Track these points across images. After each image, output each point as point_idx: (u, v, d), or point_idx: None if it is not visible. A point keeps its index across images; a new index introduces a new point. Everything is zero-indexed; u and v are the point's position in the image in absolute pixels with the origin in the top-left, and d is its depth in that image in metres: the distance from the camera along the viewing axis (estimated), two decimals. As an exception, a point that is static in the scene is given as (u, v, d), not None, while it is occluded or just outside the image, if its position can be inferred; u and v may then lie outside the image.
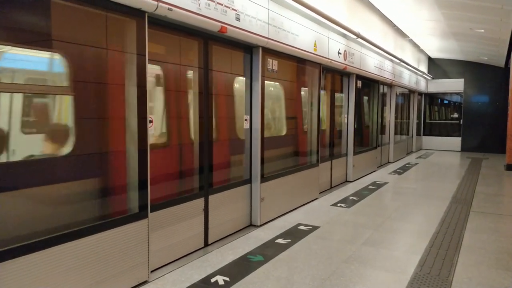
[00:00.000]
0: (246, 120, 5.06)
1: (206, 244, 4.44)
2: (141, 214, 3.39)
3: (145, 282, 3.45)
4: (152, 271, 3.63)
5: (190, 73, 4.25)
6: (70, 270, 2.81)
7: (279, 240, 4.64)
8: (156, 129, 3.82)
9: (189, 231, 4.14)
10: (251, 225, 5.24)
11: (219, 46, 4.57)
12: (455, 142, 15.90)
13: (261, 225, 5.21)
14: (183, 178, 4.25)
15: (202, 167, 4.30)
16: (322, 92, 7.24)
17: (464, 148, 15.64)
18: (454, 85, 15.89)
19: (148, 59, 3.42)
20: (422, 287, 3.44)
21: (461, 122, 15.83)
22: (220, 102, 4.83)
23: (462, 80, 15.63)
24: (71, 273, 2.82)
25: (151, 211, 3.52)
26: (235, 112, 5.17)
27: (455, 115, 16.36)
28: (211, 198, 4.44)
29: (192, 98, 4.26)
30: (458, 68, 15.74)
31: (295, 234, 4.86)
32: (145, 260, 3.43)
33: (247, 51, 5.02)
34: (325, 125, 7.77)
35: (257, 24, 4.70)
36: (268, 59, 5.28)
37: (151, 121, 3.57)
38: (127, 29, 3.32)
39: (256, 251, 4.26)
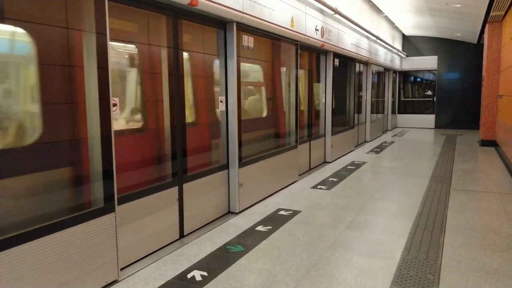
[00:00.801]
0: (221, 101, 4.73)
1: (182, 235, 4.16)
2: (107, 207, 3.06)
3: (114, 282, 3.14)
4: (122, 269, 3.33)
5: (158, 53, 3.85)
6: (26, 276, 2.47)
7: (260, 228, 4.40)
8: (122, 114, 3.45)
9: (163, 223, 3.84)
10: (229, 212, 4.98)
11: (190, 22, 4.18)
12: (429, 119, 16.04)
13: (240, 212, 4.96)
14: (153, 166, 3.91)
15: (175, 153, 3.97)
16: (299, 71, 6.98)
17: (438, 125, 15.80)
18: (427, 62, 15.92)
19: (111, 38, 3.03)
20: (411, 273, 3.29)
21: (434, 100, 15.95)
22: (193, 83, 4.47)
23: (435, 57, 15.67)
24: (27, 278, 2.48)
25: (118, 204, 3.19)
26: (212, 94, 4.83)
27: (429, 93, 16.46)
28: (186, 186, 4.13)
29: (161, 80, 3.88)
30: (431, 45, 15.75)
31: (276, 220, 4.64)
32: (114, 257, 3.11)
33: (221, 27, 4.65)
34: (303, 106, 7.52)
35: (230, -4, 4.33)
36: (243, 36, 4.93)
37: (115, 105, 3.20)
38: (84, 3, 2.91)
39: (235, 241, 4.01)
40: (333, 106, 8.54)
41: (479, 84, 12.44)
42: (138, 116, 3.76)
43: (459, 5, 9.18)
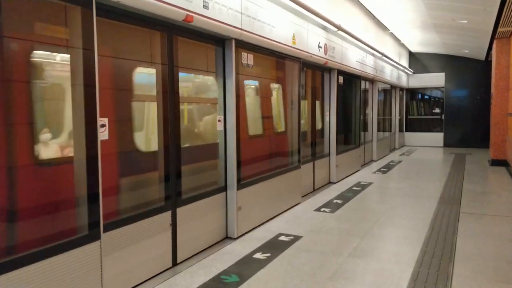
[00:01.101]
0: (219, 121, 4.56)
1: (175, 263, 3.93)
2: (92, 235, 2.86)
3: (98, 317, 2.92)
4: (108, 301, 3.11)
5: (152, 71, 3.71)
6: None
7: (258, 255, 4.16)
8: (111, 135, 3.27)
9: (154, 250, 3.63)
10: (227, 238, 4.75)
11: (186, 39, 4.05)
12: (438, 137, 15.74)
13: (238, 237, 4.73)
14: (144, 189, 3.71)
15: (168, 175, 3.78)
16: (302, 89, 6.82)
17: (447, 144, 15.49)
18: (435, 79, 15.72)
19: (99, 55, 2.89)
20: (419, 308, 3.02)
21: (443, 117, 15.68)
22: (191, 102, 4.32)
23: (443, 74, 15.47)
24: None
25: (104, 231, 2.99)
26: (210, 112, 4.68)
27: (437, 110, 16.21)
28: (180, 210, 3.93)
29: (154, 99, 3.72)
30: (438, 62, 15.57)
31: (275, 247, 4.40)
32: (98, 290, 2.90)
33: (219, 44, 4.52)
34: (307, 124, 7.34)
35: (228, 13, 4.20)
36: (243, 53, 4.79)
37: (103, 125, 3.04)
38: (71, 18, 2.78)
39: (231, 270, 3.77)
40: (338, 125, 8.35)
41: (488, 102, 12.19)
42: (128, 137, 3.58)
43: (465, 21, 9.02)
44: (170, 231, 3.82)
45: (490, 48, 11.29)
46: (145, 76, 3.60)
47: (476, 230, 4.93)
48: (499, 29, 8.85)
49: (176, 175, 3.86)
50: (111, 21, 3.23)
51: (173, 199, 3.84)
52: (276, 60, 5.88)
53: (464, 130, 15.20)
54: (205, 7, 3.83)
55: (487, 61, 13.31)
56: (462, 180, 8.31)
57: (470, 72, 14.95)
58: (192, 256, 4.18)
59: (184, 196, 3.99)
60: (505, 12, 7.24)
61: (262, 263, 3.92)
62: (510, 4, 6.61)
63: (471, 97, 15.12)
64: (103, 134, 3.01)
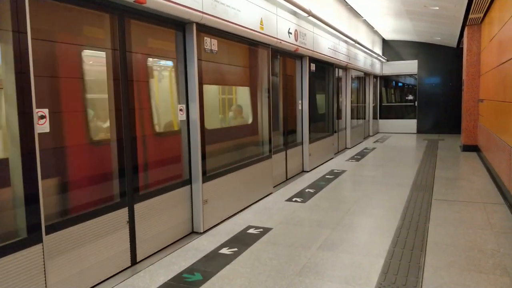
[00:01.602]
0: (181, 110, 4.29)
1: (134, 262, 3.68)
2: (31, 238, 2.58)
3: (42, 327, 2.66)
4: (55, 309, 2.85)
5: (99, 56, 3.39)
6: None
7: (224, 250, 3.96)
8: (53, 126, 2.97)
9: (110, 250, 3.37)
10: (193, 232, 4.53)
11: (140, 22, 3.75)
12: (411, 124, 15.87)
13: (204, 232, 4.51)
14: (94, 186, 3.43)
15: (123, 169, 3.51)
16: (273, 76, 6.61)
17: (420, 130, 15.64)
18: (408, 67, 15.79)
19: (35, 38, 2.59)
20: (388, 303, 2.89)
21: (416, 104, 15.79)
22: (146, 90, 4.03)
23: (416, 61, 15.54)
24: None
25: (48, 233, 2.72)
26: (171, 101, 4.40)
27: (410, 97, 16.32)
28: (138, 206, 3.67)
29: (103, 87, 3.42)
30: (411, 49, 15.62)
31: (243, 240, 4.21)
32: (41, 297, 2.64)
33: (179, 28, 4.23)
34: (280, 112, 7.14)
35: (187, -5, 3.91)
36: (206, 38, 4.52)
37: (43, 117, 2.74)
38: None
39: (194, 267, 3.56)
40: (311, 112, 8.19)
41: (460, 88, 12.29)
42: (75, 129, 3.28)
43: (437, 8, 8.96)
44: (127, 229, 3.56)
45: (461, 35, 11.33)
46: (93, 63, 3.29)
47: (448, 218, 4.86)
48: (470, 16, 8.83)
49: (132, 169, 3.59)
50: (48, 1, 2.90)
51: (130, 194, 3.57)
52: (243, 46, 5.62)
53: (437, 117, 15.36)
54: (161, -14, 3.54)
55: (459, 48, 13.40)
56: (435, 166, 8.32)
57: (442, 59, 15.07)
58: (154, 253, 3.93)
59: (142, 191, 3.73)
60: (476, -2, 7.19)
61: (228, 259, 3.72)
62: (480, -12, 6.55)
63: (443, 84, 15.27)
64: (42, 126, 2.72)
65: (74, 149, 3.17)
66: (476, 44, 10.02)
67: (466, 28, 10.17)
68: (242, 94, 5.87)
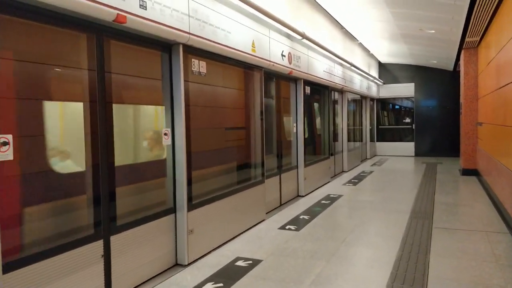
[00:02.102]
0: (165, 134, 4.06)
1: (110, 300, 3.38)
2: (-13, 279, 2.31)
3: None
4: None
5: (75, 77, 3.19)
6: None
7: (208, 286, 3.66)
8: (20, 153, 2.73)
9: (81, 288, 3.08)
10: (177, 265, 4.23)
11: (121, 43, 3.57)
12: (409, 147, 15.67)
13: (189, 264, 4.21)
14: (64, 216, 3.16)
15: (98, 197, 3.25)
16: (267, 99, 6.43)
17: (418, 153, 15.43)
18: (405, 89, 15.72)
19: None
20: None
21: (413, 127, 15.65)
22: (129, 114, 3.82)
23: (412, 84, 15.48)
24: None
25: (5, 272, 2.44)
26: (155, 125, 4.19)
27: (407, 120, 16.19)
28: (115, 238, 3.39)
29: (78, 109, 3.20)
30: (408, 72, 15.60)
31: (230, 275, 3.91)
32: None
33: (165, 49, 4.05)
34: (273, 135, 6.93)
35: (172, 15, 3.75)
36: (193, 60, 4.34)
37: (6, 143, 2.51)
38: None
39: (174, 307, 3.26)
40: (307, 136, 7.99)
41: (457, 111, 12.16)
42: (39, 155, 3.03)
43: (433, 31, 8.90)
44: (102, 263, 3.28)
45: (458, 59, 11.27)
46: (66, 84, 3.08)
47: (449, 248, 4.58)
48: (467, 39, 8.76)
49: (108, 198, 3.33)
50: (16, 19, 2.71)
51: (105, 225, 3.30)
52: (234, 68, 5.44)
53: (435, 139, 15.20)
54: (142, 7, 3.37)
55: (455, 71, 13.34)
56: (434, 191, 8.06)
57: (439, 82, 15.02)
58: (134, 289, 3.64)
59: (120, 221, 3.46)
60: (473, 22, 7.09)
61: (212, 297, 3.43)
62: (477, 13, 6.45)
63: (440, 107, 15.17)
64: (4, 154, 2.48)
65: (42, 177, 2.92)
66: (473, 67, 9.93)
67: (462, 52, 10.10)
68: (234, 117, 5.66)
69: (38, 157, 2.85)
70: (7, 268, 2.48)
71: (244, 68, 5.64)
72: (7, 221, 2.58)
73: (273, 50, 6.04)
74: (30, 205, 2.93)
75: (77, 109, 3.17)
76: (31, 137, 2.84)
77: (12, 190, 2.71)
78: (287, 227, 5.60)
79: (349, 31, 10.51)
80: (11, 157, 2.56)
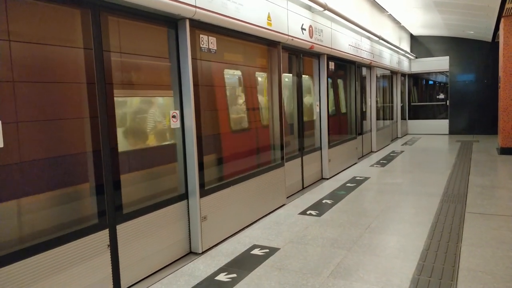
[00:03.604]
0: (174, 116, 3.84)
1: (118, 290, 3.26)
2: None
3: None
4: None
5: (68, 56, 2.97)
6: None
7: (221, 276, 3.48)
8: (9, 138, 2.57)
9: (85, 280, 2.95)
10: (191, 253, 4.07)
11: (122, 19, 3.32)
12: (443, 124, 14.89)
13: (203, 252, 4.05)
14: (64, 205, 3.00)
15: (101, 185, 3.09)
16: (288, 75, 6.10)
17: (453, 131, 14.65)
18: (439, 63, 14.84)
19: None
20: None
21: (447, 103, 14.82)
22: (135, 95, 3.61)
23: (447, 58, 14.58)
24: None
25: (3, 265, 2.32)
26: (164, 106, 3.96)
27: (441, 96, 15.34)
28: (121, 227, 3.24)
29: (73, 91, 2.99)
30: (442, 45, 14.68)
31: (245, 264, 3.71)
32: None
33: (171, 25, 3.79)
34: (293, 116, 6.61)
35: (176, -13, 3.46)
36: (202, 36, 4.06)
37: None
38: None
39: (182, 299, 3.09)
40: (331, 114, 7.61)
41: (496, 86, 11.34)
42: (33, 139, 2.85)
43: (469, -2, 8.18)
44: (108, 254, 3.14)
45: (497, 28, 10.41)
46: (61, 64, 2.87)
47: (484, 237, 4.19)
48: (507, 5, 8.00)
49: (113, 186, 3.16)
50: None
51: (111, 214, 3.15)
52: (248, 44, 5.11)
53: (471, 116, 14.34)
54: (142, -22, 3.10)
55: (494, 42, 12.42)
56: (469, 172, 7.55)
57: (476, 54, 14.05)
58: (143, 279, 3.50)
59: (126, 209, 3.29)
60: (514, -16, 6.41)
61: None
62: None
63: (477, 81, 14.24)
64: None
65: (38, 164, 2.76)
66: (515, 37, 9.12)
67: (502, 20, 9.28)
68: (249, 96, 5.36)
69: (33, 144, 2.69)
70: (5, 261, 2.35)
71: (259, 44, 5.30)
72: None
73: (291, 23, 5.65)
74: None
75: (75, 91, 2.97)
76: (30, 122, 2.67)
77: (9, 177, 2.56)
78: (308, 212, 5.34)
79: (377, 1, 9.86)
80: (1, 144, 2.40)
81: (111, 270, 3.17)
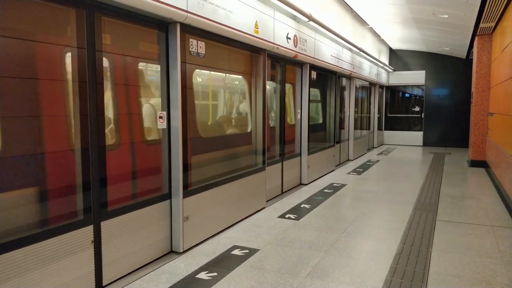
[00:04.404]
0: (161, 117, 3.92)
1: (100, 287, 3.29)
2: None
3: None
4: None
5: (60, 55, 3.03)
6: None
7: (202, 275, 3.56)
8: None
9: (68, 274, 2.98)
10: (172, 252, 4.13)
11: (115, 20, 3.39)
12: (417, 136, 15.40)
13: (184, 252, 4.12)
14: (50, 201, 3.04)
15: (87, 182, 3.13)
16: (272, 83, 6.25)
17: (426, 143, 15.16)
18: (415, 77, 15.36)
19: None
20: None
21: (422, 116, 15.33)
22: (121, 94, 3.67)
23: (423, 72, 15.11)
24: None
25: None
26: (152, 106, 4.03)
27: (417, 109, 15.86)
28: (105, 224, 3.29)
29: (64, 89, 3.05)
30: (419, 59, 15.21)
31: (225, 264, 3.80)
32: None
33: (162, 28, 3.87)
34: (274, 122, 6.76)
35: (169, -8, 3.56)
36: (191, 40, 4.16)
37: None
38: None
39: (164, 296, 3.16)
40: (311, 122, 7.80)
41: (469, 101, 11.84)
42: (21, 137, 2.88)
43: (446, 16, 8.57)
44: (92, 249, 3.18)
45: (471, 46, 10.90)
46: (52, 62, 2.92)
47: (453, 243, 4.43)
48: (481, 25, 8.42)
49: (99, 183, 3.21)
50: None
51: (96, 211, 3.19)
52: (236, 50, 5.24)
53: (444, 129, 14.89)
54: (136, -19, 3.19)
55: (468, 59, 12.96)
56: (440, 183, 7.87)
57: (451, 70, 14.63)
58: (124, 275, 3.55)
59: (111, 207, 3.35)
60: (488, 6, 6.78)
61: (204, 286, 3.32)
62: (492, -4, 6.15)
63: (451, 96, 14.81)
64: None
65: (21, 160, 2.80)
66: (487, 55, 9.60)
67: (476, 38, 9.75)
68: (233, 101, 5.48)
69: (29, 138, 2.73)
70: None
71: (246, 50, 5.44)
72: None
73: (277, 32, 5.82)
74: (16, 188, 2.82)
75: (65, 89, 3.02)
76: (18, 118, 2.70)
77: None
78: (287, 216, 5.48)
79: (359, 14, 10.18)
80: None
81: (94, 266, 3.21)
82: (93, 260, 3.20)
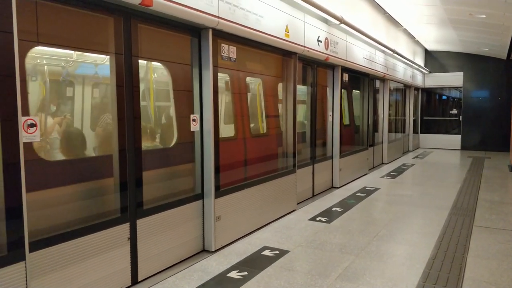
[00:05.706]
0: (194, 120, 4.04)
1: (135, 281, 3.44)
2: (12, 256, 2.38)
3: None
4: (38, 332, 2.63)
5: (101, 60, 3.21)
6: None
7: (233, 273, 3.63)
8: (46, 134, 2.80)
9: (107, 269, 3.14)
10: (204, 251, 4.24)
11: (150, 26, 3.55)
12: (455, 140, 14.89)
13: (216, 251, 4.21)
14: (90, 199, 3.21)
15: (125, 182, 3.28)
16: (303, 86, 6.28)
17: (464, 146, 14.64)
18: (452, 79, 14.88)
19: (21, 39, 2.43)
20: None
21: (460, 119, 14.83)
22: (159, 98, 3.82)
23: (461, 73, 14.62)
24: None
25: (32, 250, 2.52)
26: (185, 110, 4.17)
27: (454, 111, 15.35)
28: (141, 222, 3.43)
29: (104, 93, 3.22)
30: (457, 61, 14.73)
31: (255, 264, 3.86)
32: (20, 322, 2.42)
33: (194, 34, 4.00)
34: (306, 124, 6.78)
35: (201, -2, 3.68)
36: (223, 45, 4.27)
37: (34, 125, 2.56)
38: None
39: (196, 293, 3.26)
40: (344, 125, 7.75)
41: (510, 103, 11.36)
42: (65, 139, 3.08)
43: (484, 16, 8.29)
44: (128, 246, 3.33)
45: (512, 45, 10.49)
46: (92, 67, 3.10)
47: (490, 249, 4.28)
48: (522, 23, 8.10)
49: (135, 183, 3.36)
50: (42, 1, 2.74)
51: (132, 209, 3.34)
52: (266, 54, 5.31)
53: (483, 133, 14.32)
54: (170, -11, 3.32)
55: (509, 60, 12.46)
56: (479, 188, 7.60)
57: (491, 71, 14.08)
58: (159, 272, 3.68)
59: (146, 206, 3.49)
60: (529, 3, 6.53)
61: (235, 285, 3.39)
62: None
63: (491, 98, 14.25)
64: (31, 135, 2.53)
65: (71, 161, 2.98)
66: (529, 55, 9.19)
67: (517, 38, 9.37)
68: (264, 104, 5.55)
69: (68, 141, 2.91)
70: (34, 247, 2.55)
71: (276, 54, 5.50)
72: (36, 202, 2.64)
73: (308, 35, 5.85)
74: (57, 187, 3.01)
75: (103, 93, 3.20)
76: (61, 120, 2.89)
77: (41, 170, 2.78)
78: (317, 218, 5.47)
79: (392, 16, 10.02)
80: (38, 139, 2.62)
81: (130, 262, 3.36)
82: (129, 256, 3.35)
